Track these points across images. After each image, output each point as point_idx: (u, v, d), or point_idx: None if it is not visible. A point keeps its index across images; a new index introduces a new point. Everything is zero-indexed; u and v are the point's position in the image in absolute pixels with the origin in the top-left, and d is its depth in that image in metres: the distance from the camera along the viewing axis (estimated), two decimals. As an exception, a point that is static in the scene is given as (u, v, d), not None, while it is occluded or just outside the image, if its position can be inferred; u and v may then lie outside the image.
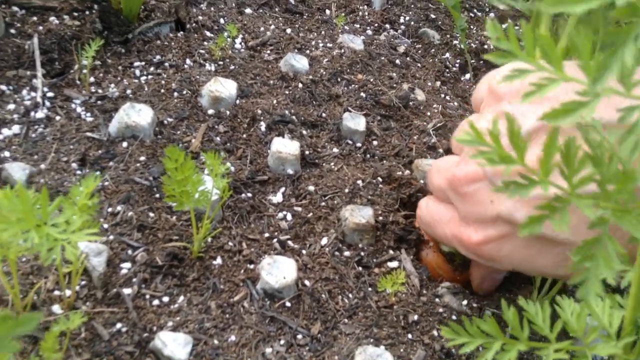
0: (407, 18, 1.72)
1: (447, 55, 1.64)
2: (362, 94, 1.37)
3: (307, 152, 1.18)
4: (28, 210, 0.65)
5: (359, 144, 1.26)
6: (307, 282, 0.97)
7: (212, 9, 1.50)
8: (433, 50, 1.65)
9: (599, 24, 0.88)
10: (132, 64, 1.27)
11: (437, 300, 1.00)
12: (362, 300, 0.97)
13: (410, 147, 1.29)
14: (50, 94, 1.16)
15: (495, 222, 0.85)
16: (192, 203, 0.88)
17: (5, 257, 0.76)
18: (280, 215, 1.07)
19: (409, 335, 0.93)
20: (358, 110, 1.32)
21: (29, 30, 1.22)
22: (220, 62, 1.33)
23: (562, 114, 0.45)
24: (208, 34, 1.41)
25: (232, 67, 1.33)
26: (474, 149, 0.54)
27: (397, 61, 1.53)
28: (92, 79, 1.21)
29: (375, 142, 1.28)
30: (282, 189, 1.12)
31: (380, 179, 1.18)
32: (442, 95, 1.49)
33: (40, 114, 1.11)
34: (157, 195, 1.02)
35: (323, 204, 1.10)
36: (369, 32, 1.63)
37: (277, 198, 1.10)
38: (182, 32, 1.38)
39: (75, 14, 1.29)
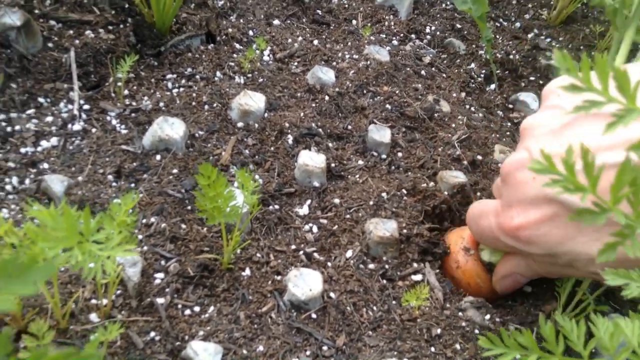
0: (433, 28, 1.74)
1: (473, 65, 1.66)
2: (388, 106, 1.39)
3: (332, 165, 1.21)
4: (72, 229, 0.69)
5: (384, 156, 1.28)
6: (332, 295, 1.00)
7: (242, 20, 1.53)
8: (458, 60, 1.66)
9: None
10: (164, 77, 1.30)
11: (460, 314, 1.02)
12: (386, 313, 1.00)
13: (434, 159, 1.31)
14: (86, 107, 1.20)
15: (536, 203, 0.87)
16: (223, 218, 0.91)
17: (47, 269, 0.80)
18: (307, 227, 1.10)
19: (432, 349, 0.95)
20: (383, 122, 1.34)
21: (65, 44, 1.26)
22: (249, 75, 1.36)
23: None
24: (237, 46, 1.44)
25: (260, 79, 1.36)
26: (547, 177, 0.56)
27: (423, 72, 1.55)
28: (126, 92, 1.25)
29: (400, 154, 1.30)
30: (309, 202, 1.14)
31: (404, 191, 1.20)
32: (467, 107, 1.51)
33: (77, 126, 1.16)
34: (189, 207, 1.06)
35: (348, 216, 1.13)
36: (395, 42, 1.65)
37: (304, 210, 1.13)
38: (212, 45, 1.42)
39: (110, 27, 1.34)
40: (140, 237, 1.00)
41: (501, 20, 1.88)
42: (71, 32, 1.30)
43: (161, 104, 1.23)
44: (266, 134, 1.23)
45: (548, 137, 0.88)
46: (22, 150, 1.09)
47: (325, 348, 0.93)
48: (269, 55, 1.45)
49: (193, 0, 1.49)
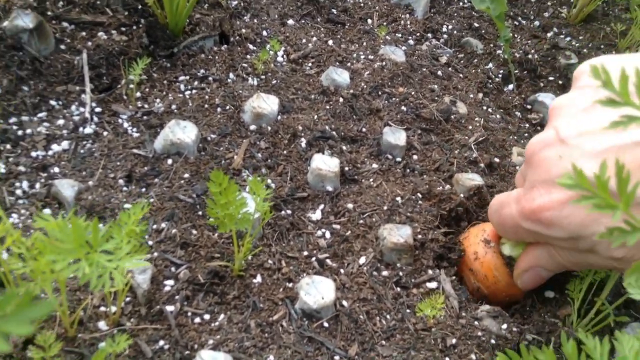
0: (450, 27, 1.71)
1: (490, 65, 1.63)
2: (403, 108, 1.37)
3: (346, 168, 1.19)
4: (79, 240, 0.68)
5: (399, 159, 1.26)
6: (345, 303, 0.98)
7: (255, 20, 1.51)
8: (476, 60, 1.63)
9: None
10: (177, 78, 1.29)
11: (476, 323, 0.99)
12: (400, 322, 0.98)
13: (450, 162, 1.28)
14: (98, 109, 1.19)
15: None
16: (234, 225, 0.90)
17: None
18: (319, 233, 1.08)
19: (447, 359, 0.93)
20: (398, 124, 1.32)
21: (78, 46, 1.26)
22: (263, 76, 1.35)
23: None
24: (251, 47, 1.43)
25: (274, 81, 1.34)
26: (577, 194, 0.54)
27: (439, 72, 1.52)
28: (138, 94, 1.24)
29: (415, 157, 1.28)
30: (321, 206, 1.13)
31: (419, 195, 1.18)
32: (484, 108, 1.48)
33: (89, 129, 1.15)
34: (200, 213, 1.05)
35: (361, 221, 1.11)
36: (411, 41, 1.62)
37: (316, 215, 1.11)
38: (226, 46, 1.41)
39: (123, 28, 1.32)
40: (150, 243, 0.99)
41: (520, 18, 1.84)
42: (84, 33, 1.30)
43: (173, 107, 1.22)
44: (279, 137, 1.21)
45: (578, 115, 0.85)
46: (33, 154, 1.09)
47: (337, 358, 0.91)
48: (282, 56, 1.43)
49: (206, 0, 1.48)
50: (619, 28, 1.79)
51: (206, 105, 1.24)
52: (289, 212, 1.10)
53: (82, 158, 1.10)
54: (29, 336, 0.82)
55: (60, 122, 1.15)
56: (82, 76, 1.22)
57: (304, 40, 1.50)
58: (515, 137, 1.43)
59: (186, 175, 1.10)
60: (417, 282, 1.05)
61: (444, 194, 1.18)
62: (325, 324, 0.95)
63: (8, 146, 1.09)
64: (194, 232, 1.02)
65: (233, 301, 0.96)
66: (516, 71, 1.62)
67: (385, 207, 1.13)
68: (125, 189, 1.07)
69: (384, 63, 1.46)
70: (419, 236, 1.09)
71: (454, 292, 1.04)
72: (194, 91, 1.27)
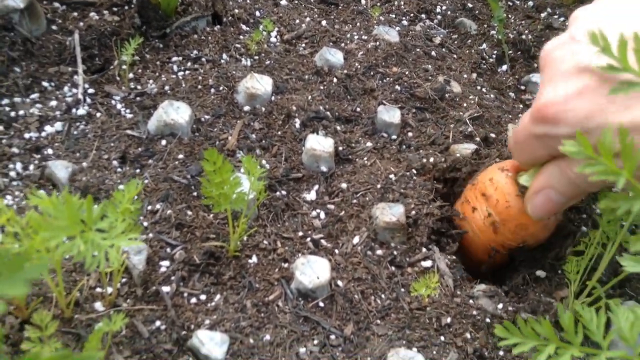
0: (444, 7, 1.70)
1: (484, 46, 1.62)
2: (397, 87, 1.36)
3: (340, 148, 1.19)
4: (74, 217, 0.68)
5: (394, 137, 1.26)
6: (340, 283, 0.98)
7: (248, 1, 1.50)
8: (469, 40, 1.63)
9: None
10: (170, 59, 1.28)
11: (471, 302, 1.00)
12: (395, 301, 0.98)
13: (446, 135, 1.28)
14: (90, 90, 1.18)
15: (567, 77, 0.82)
16: (229, 205, 0.89)
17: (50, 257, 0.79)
18: (314, 213, 1.08)
19: (442, 338, 0.94)
20: (393, 103, 1.32)
21: (69, 27, 1.24)
22: (256, 57, 1.34)
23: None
24: (244, 27, 1.41)
25: (267, 62, 1.33)
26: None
27: (433, 53, 1.52)
28: (131, 75, 1.23)
29: (410, 134, 1.28)
30: (316, 187, 1.13)
31: (414, 171, 1.18)
32: (479, 88, 1.48)
33: (82, 110, 1.14)
34: (195, 194, 1.05)
35: (355, 201, 1.11)
36: (405, 22, 1.61)
37: (311, 196, 1.11)
38: (218, 26, 1.39)
39: (115, 9, 1.31)
40: (145, 224, 0.99)
41: (514, -2, 1.83)
42: (75, 14, 1.28)
43: (167, 88, 1.21)
44: (273, 117, 1.21)
45: (594, 22, 0.82)
46: (26, 135, 1.08)
47: (332, 337, 0.92)
48: (276, 37, 1.42)
49: (199, -20, 1.46)
50: (613, 8, 1.77)
51: (199, 86, 1.23)
52: (283, 192, 1.10)
53: (75, 139, 1.10)
54: (25, 317, 0.82)
55: (53, 103, 1.14)
56: (74, 57, 1.21)
57: (297, 21, 1.49)
58: (510, 116, 1.43)
59: (180, 156, 1.09)
60: (412, 261, 1.05)
61: (438, 164, 1.19)
62: (321, 304, 0.95)
63: (1, 128, 1.08)
64: (189, 212, 1.02)
65: (229, 281, 0.96)
66: (510, 52, 1.62)
67: (378, 186, 1.14)
68: (119, 170, 1.06)
69: (377, 43, 1.46)
70: (413, 212, 1.09)
71: (448, 271, 1.04)
72: (187, 72, 1.26)
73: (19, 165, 1.03)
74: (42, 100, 1.14)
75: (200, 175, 1.06)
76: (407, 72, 1.41)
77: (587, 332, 0.65)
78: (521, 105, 1.49)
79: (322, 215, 1.08)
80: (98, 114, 1.15)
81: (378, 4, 1.64)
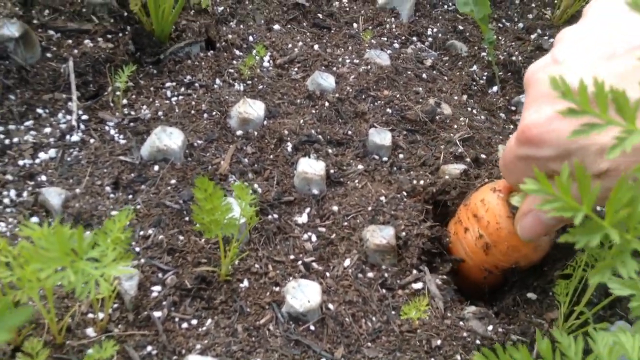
0: (435, 30, 1.72)
1: (475, 67, 1.64)
2: (388, 110, 1.38)
3: (332, 171, 1.20)
4: (64, 248, 0.69)
5: (385, 159, 1.27)
6: (331, 306, 0.99)
7: (242, 26, 1.52)
8: (460, 62, 1.65)
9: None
10: (163, 85, 1.30)
11: (461, 324, 1.01)
12: (386, 324, 0.99)
13: (436, 157, 1.30)
14: (84, 117, 1.20)
15: (550, 98, 0.82)
16: (220, 231, 0.91)
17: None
18: (305, 236, 1.10)
19: (432, 360, 0.95)
20: (384, 126, 1.33)
21: (64, 54, 1.26)
22: (249, 82, 1.36)
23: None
24: (237, 52, 1.44)
25: (260, 86, 1.35)
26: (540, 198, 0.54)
27: (424, 75, 1.54)
28: (124, 101, 1.25)
29: (401, 155, 1.29)
30: (308, 210, 1.14)
31: (405, 193, 1.20)
32: (469, 109, 1.50)
33: (76, 137, 1.16)
34: (187, 219, 1.06)
35: (345, 223, 1.12)
36: (396, 45, 1.64)
37: (303, 219, 1.12)
38: (212, 51, 1.42)
39: (109, 36, 1.33)
40: (137, 249, 1.00)
41: (504, 20, 1.86)
42: (70, 41, 1.30)
43: (160, 113, 1.23)
44: (265, 142, 1.23)
45: (576, 43, 0.84)
46: (20, 162, 1.09)
47: (323, 360, 0.93)
48: (268, 62, 1.44)
49: (192, 7, 1.49)
50: (601, 29, 1.80)
51: (193, 111, 1.25)
52: (275, 216, 1.11)
53: (69, 166, 1.11)
54: (17, 344, 0.83)
55: (47, 130, 1.16)
56: (69, 84, 1.23)
57: (289, 45, 1.51)
58: (501, 137, 1.44)
59: (173, 182, 1.11)
60: (403, 283, 1.06)
61: (428, 186, 1.20)
62: (312, 327, 0.96)
63: (-5, 155, 1.10)
64: (181, 237, 1.03)
65: (220, 306, 0.97)
66: (500, 73, 1.64)
67: (369, 208, 1.15)
68: (112, 196, 1.08)
69: (369, 67, 1.48)
70: (403, 233, 1.10)
71: (439, 293, 1.05)
72: (180, 97, 1.28)
73: (12, 192, 1.04)
74: (37, 127, 1.16)
75: (192, 200, 1.07)
76: (398, 95, 1.42)
77: None
78: (512, 126, 1.51)
79: (314, 238, 1.10)
80: (92, 140, 1.16)
81: (370, 27, 1.67)
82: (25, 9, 1.30)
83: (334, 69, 1.47)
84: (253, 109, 1.24)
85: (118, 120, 1.21)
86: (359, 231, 1.11)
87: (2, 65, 1.19)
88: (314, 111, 1.32)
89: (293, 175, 1.18)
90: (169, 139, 1.13)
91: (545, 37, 1.80)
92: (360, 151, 1.28)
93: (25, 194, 1.05)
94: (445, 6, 1.84)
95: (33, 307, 0.87)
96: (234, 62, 1.41)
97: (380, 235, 1.07)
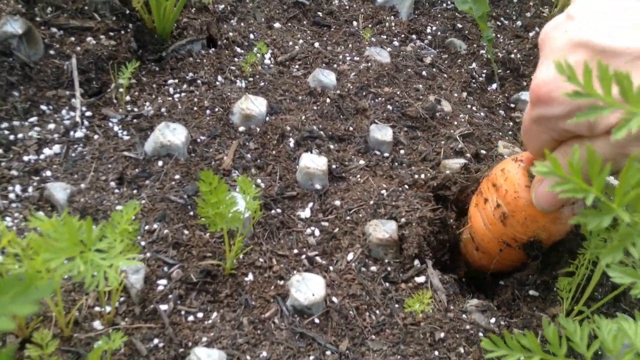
0: (434, 28, 1.74)
1: (474, 65, 1.65)
2: (389, 107, 1.39)
3: (334, 166, 1.21)
4: (73, 239, 0.69)
5: (386, 154, 1.28)
6: (335, 299, 1.00)
7: (242, 24, 1.53)
8: (459, 60, 1.66)
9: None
10: (166, 82, 1.31)
11: (464, 316, 1.02)
12: (389, 317, 1.00)
13: (437, 152, 1.31)
14: (88, 113, 1.21)
15: (561, 53, 0.80)
16: (225, 224, 0.91)
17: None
18: (309, 230, 1.10)
19: (436, 352, 0.96)
20: (385, 122, 1.34)
21: (67, 51, 1.27)
22: (251, 79, 1.37)
23: None
24: (238, 50, 1.44)
25: (262, 83, 1.36)
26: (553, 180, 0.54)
27: (424, 72, 1.55)
28: (127, 98, 1.25)
29: (402, 151, 1.30)
30: (310, 204, 1.15)
31: (406, 187, 1.21)
32: (469, 106, 1.51)
33: (80, 133, 1.16)
34: (191, 213, 1.06)
35: (348, 218, 1.13)
36: (396, 43, 1.65)
37: (306, 213, 1.13)
38: (213, 49, 1.42)
39: (111, 33, 1.34)
40: (142, 243, 1.01)
41: (502, 19, 1.87)
42: (72, 39, 1.31)
43: (163, 110, 1.24)
44: (268, 137, 1.23)
45: (591, 2, 0.82)
46: (25, 158, 1.10)
47: (328, 353, 0.93)
48: (270, 59, 1.45)
49: (194, 5, 1.50)
50: (599, 27, 1.81)
51: (195, 108, 1.25)
52: (278, 211, 1.12)
53: (73, 161, 1.12)
54: (25, 336, 0.84)
55: (51, 126, 1.16)
56: (72, 81, 1.23)
57: (290, 43, 1.52)
58: (500, 134, 1.45)
59: (177, 177, 1.11)
60: (406, 277, 1.07)
61: (429, 180, 1.21)
62: (316, 320, 0.97)
63: (0, 151, 1.10)
64: (186, 232, 1.04)
65: (225, 299, 0.97)
66: (499, 71, 1.65)
67: (371, 202, 1.16)
68: (116, 191, 1.08)
69: (369, 64, 1.49)
70: (403, 219, 1.11)
71: (442, 286, 1.06)
72: (183, 94, 1.29)
73: (18, 187, 1.05)
74: (41, 123, 1.16)
75: (196, 195, 1.08)
76: (398, 92, 1.43)
77: (571, 345, 0.67)
78: (511, 123, 1.52)
79: (317, 232, 1.10)
80: (95, 136, 1.17)
81: (369, 25, 1.68)
82: (28, 6, 1.31)
83: (335, 66, 1.48)
84: (255, 105, 1.25)
85: (121, 117, 1.21)
86: (361, 225, 1.12)
87: (5, 62, 1.19)
88: (315, 107, 1.33)
89: (295, 170, 1.19)
90: (172, 134, 1.14)
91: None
92: (361, 147, 1.29)
93: (30, 189, 1.05)
94: (444, 4, 1.85)
95: (41, 299, 0.87)
96: (236, 59, 1.41)
97: (382, 230, 1.08)
